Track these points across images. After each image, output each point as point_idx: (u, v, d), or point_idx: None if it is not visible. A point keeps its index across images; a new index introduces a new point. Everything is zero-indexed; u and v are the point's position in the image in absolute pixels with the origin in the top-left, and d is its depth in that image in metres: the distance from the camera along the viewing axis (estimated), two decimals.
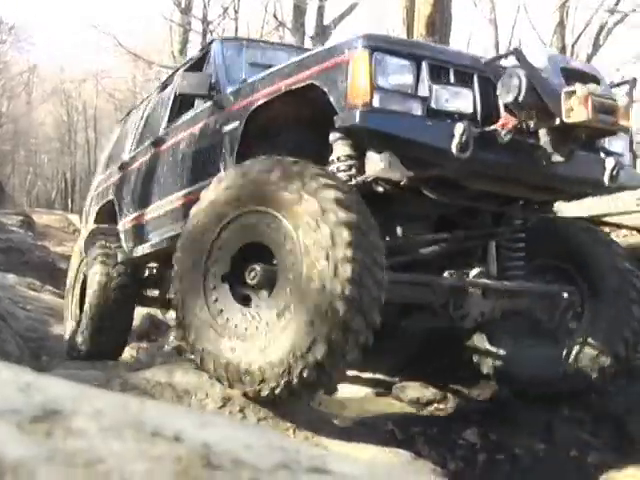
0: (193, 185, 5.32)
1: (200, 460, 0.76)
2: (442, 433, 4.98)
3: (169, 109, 6.40)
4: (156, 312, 9.61)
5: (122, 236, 6.78)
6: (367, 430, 4.75)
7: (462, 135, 3.86)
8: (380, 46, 4.04)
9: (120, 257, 6.68)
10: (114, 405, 0.89)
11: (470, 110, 4.12)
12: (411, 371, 5.83)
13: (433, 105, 4.02)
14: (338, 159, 4.26)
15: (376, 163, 4.13)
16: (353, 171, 4.21)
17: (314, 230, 3.61)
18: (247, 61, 5.84)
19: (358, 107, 3.92)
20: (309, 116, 4.48)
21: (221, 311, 4.02)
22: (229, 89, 5.24)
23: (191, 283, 4.14)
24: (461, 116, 4.05)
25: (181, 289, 4.21)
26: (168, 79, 7.17)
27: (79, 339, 6.83)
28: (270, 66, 5.03)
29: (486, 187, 4.37)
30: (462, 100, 4.12)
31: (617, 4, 19.21)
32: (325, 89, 4.11)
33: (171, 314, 8.00)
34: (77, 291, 7.41)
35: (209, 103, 5.39)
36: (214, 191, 4.17)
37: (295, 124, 4.66)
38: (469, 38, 17.76)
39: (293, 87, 4.37)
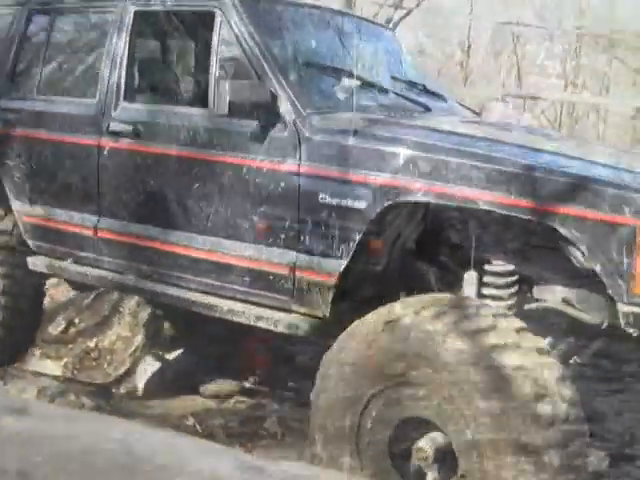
0: (253, 245, 4.04)
1: None
2: (243, 425, 5.03)
3: (124, 70, 4.55)
4: None
5: (29, 232, 5.06)
6: (169, 427, 4.73)
7: None
8: None
9: (32, 263, 5.09)
10: None
11: None
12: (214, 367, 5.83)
13: None
14: (497, 273, 3.62)
15: (559, 294, 3.59)
16: (514, 289, 3.64)
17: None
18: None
19: None
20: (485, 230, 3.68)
21: None
22: (316, 128, 3.84)
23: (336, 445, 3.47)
24: None
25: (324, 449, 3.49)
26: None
27: None
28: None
29: None
30: None
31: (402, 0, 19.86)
32: (574, 241, 3.21)
33: None
34: None
35: (264, 127, 3.96)
36: (365, 347, 3.35)
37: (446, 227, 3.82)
38: None
39: (497, 210, 3.37)
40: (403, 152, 3.58)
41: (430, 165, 3.50)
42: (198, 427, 4.95)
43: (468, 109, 5.26)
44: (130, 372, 5.60)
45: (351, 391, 3.39)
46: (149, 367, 5.52)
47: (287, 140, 3.88)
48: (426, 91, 4.90)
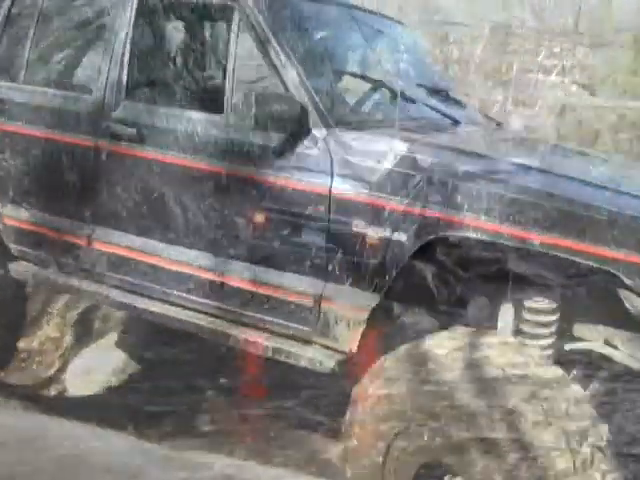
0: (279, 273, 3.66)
1: None
2: (175, 425, 4.95)
3: (126, 62, 4.05)
4: None
5: (11, 236, 4.61)
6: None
7: None
8: None
9: (16, 271, 4.67)
10: None
11: None
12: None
13: None
14: (533, 310, 3.34)
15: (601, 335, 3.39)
16: (554, 327, 3.37)
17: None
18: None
19: None
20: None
21: None
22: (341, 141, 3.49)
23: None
24: None
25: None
26: None
27: None
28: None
29: None
30: None
31: None
32: (637, 290, 2.92)
33: None
34: None
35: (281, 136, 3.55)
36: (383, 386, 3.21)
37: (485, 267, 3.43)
38: None
39: (556, 253, 3.04)
40: (451, 181, 3.21)
41: (482, 199, 3.16)
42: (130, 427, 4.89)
43: (490, 118, 4.99)
44: (60, 373, 5.55)
45: (379, 426, 3.19)
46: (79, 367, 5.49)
47: (317, 158, 3.49)
48: (448, 97, 4.51)
